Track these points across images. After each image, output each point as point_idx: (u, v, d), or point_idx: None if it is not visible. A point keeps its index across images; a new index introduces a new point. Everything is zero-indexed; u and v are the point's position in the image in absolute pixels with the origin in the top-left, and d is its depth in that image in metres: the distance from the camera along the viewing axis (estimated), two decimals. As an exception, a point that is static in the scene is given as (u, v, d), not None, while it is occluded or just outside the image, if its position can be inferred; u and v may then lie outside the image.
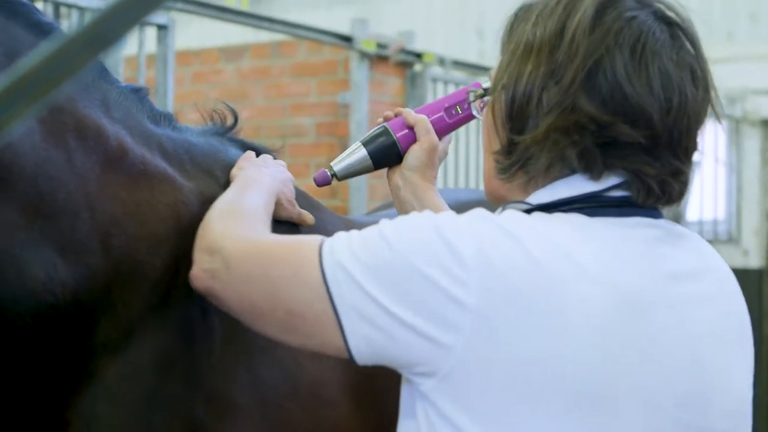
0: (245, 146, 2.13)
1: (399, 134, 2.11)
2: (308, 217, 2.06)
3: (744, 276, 8.57)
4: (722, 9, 9.10)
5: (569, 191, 1.56)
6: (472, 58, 8.92)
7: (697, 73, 1.59)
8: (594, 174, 1.55)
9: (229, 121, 2.15)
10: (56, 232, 1.69)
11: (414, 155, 2.09)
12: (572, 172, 1.56)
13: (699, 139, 1.62)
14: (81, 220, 1.71)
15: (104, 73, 1.87)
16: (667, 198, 1.60)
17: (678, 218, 7.69)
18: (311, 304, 1.54)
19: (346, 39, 6.06)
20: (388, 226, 1.54)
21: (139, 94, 1.92)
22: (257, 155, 2.11)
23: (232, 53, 6.80)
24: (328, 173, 2.11)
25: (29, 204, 1.65)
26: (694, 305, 1.57)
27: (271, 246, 1.63)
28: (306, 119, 6.31)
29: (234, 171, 2.00)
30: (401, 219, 1.56)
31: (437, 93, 6.57)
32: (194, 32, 10.03)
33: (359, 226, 2.30)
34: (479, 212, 1.54)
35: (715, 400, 1.57)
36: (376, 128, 2.15)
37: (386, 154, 2.12)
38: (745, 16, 9.00)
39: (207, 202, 1.89)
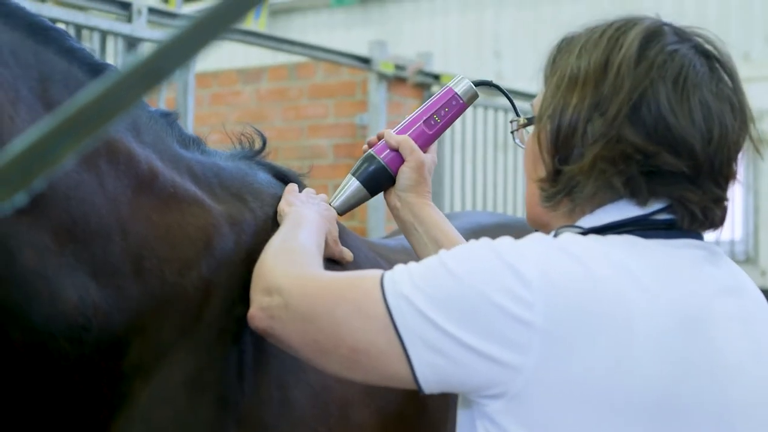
0: (273, 170, 2.14)
1: (385, 158, 2.14)
2: (348, 255, 2.09)
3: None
4: (738, 29, 9.11)
5: (619, 215, 1.60)
6: (489, 78, 8.94)
7: (735, 105, 1.63)
8: (640, 199, 1.59)
9: (257, 144, 2.16)
10: (89, 256, 1.70)
11: (404, 176, 2.12)
12: (618, 198, 1.60)
13: (737, 168, 1.66)
14: (113, 244, 1.73)
15: None
16: (710, 223, 1.64)
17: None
18: (376, 338, 1.56)
19: (365, 60, 6.10)
20: (447, 255, 1.57)
21: (168, 118, 1.94)
22: (286, 180, 2.14)
23: (250, 75, 6.84)
24: None
25: (62, 228, 1.67)
26: (740, 322, 1.61)
27: (331, 283, 1.65)
28: (324, 140, 6.35)
29: (282, 206, 2.02)
30: (460, 248, 1.59)
31: (454, 114, 6.59)
32: (213, 54, 10.09)
33: (380, 248, 2.32)
34: (537, 236, 1.59)
35: None
36: (362, 157, 2.17)
37: (378, 180, 2.15)
38: (761, 37, 9.00)
39: (236, 225, 1.91)
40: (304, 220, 1.93)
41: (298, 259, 1.75)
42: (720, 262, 1.66)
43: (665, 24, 1.67)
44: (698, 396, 1.53)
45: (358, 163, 2.17)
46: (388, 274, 1.59)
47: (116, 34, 4.44)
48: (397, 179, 2.14)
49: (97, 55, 4.30)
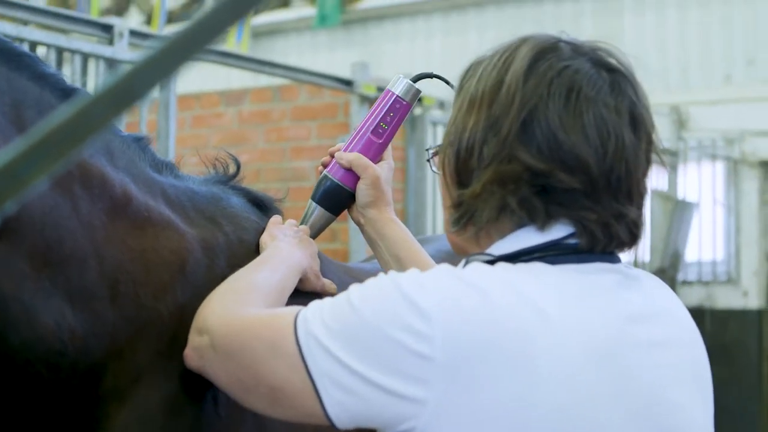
0: (248, 195, 2.15)
1: (340, 176, 2.14)
2: (331, 288, 2.09)
3: (743, 317, 8.59)
4: (721, 52, 9.15)
5: (528, 241, 1.59)
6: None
7: (637, 118, 1.61)
8: (539, 223, 1.58)
9: (232, 169, 2.17)
10: (64, 281, 1.70)
11: (362, 193, 2.13)
12: (520, 220, 1.59)
13: (645, 183, 1.64)
14: (88, 268, 1.73)
15: None
16: (617, 242, 1.61)
17: (677, 260, 7.71)
18: (291, 376, 1.56)
19: (347, 83, 6.10)
20: (354, 292, 1.58)
21: (140, 143, 1.95)
22: (261, 205, 2.14)
23: (232, 97, 6.85)
24: None
25: (37, 253, 1.67)
26: (654, 348, 1.59)
27: (252, 321, 1.66)
28: (306, 163, 6.35)
29: (265, 239, 2.02)
30: (367, 283, 1.59)
31: (437, 136, 6.60)
32: (195, 76, 10.09)
33: (357, 273, 2.33)
34: (443, 267, 1.58)
35: None
36: (318, 179, 2.17)
37: (338, 200, 2.15)
38: (742, 60, 9.05)
39: (209, 249, 1.92)
40: (274, 257, 1.92)
41: (239, 297, 1.75)
42: (635, 285, 1.64)
43: (562, 41, 1.66)
44: (603, 425, 1.51)
45: (316, 185, 2.17)
46: (302, 312, 1.60)
47: (98, 57, 4.43)
48: (356, 197, 2.14)
49: (78, 78, 4.30)
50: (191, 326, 1.78)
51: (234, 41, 10.64)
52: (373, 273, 2.33)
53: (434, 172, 1.82)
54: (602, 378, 1.51)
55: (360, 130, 2.18)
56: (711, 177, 8.68)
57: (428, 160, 1.88)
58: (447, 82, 2.25)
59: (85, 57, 4.42)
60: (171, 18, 11.94)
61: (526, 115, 1.56)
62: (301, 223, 2.15)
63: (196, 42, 0.80)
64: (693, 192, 8.52)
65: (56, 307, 1.69)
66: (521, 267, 1.56)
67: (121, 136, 1.91)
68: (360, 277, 2.28)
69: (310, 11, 11.13)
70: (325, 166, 2.18)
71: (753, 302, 8.70)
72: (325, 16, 10.96)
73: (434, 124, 6.58)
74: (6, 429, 1.74)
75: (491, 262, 1.59)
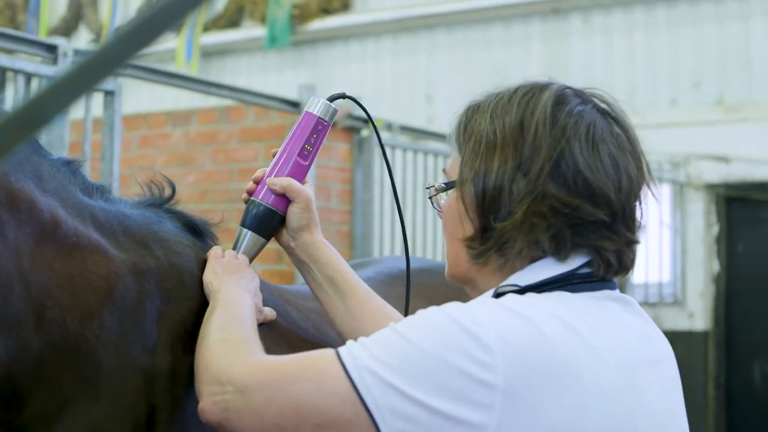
0: (182, 218, 2.13)
1: (272, 201, 2.14)
2: (271, 315, 2.11)
3: (689, 338, 8.66)
4: (666, 76, 9.25)
5: (549, 272, 1.73)
6: (420, 122, 9.00)
7: (634, 155, 1.80)
8: (561, 255, 1.73)
9: (167, 192, 2.15)
10: None
11: (296, 217, 2.15)
12: (542, 253, 1.74)
13: (641, 211, 1.83)
14: (14, 294, 1.71)
15: (36, 146, 1.87)
16: (624, 268, 1.79)
17: (624, 281, 7.76)
18: (342, 412, 1.63)
19: (294, 104, 6.10)
20: (403, 326, 1.67)
21: (71, 166, 1.94)
22: (195, 228, 2.14)
23: (179, 118, 6.82)
24: None
25: None
26: (655, 365, 1.77)
27: (282, 367, 1.72)
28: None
29: (209, 279, 2.01)
30: (414, 317, 1.68)
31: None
32: (143, 96, 10.04)
33: (289, 295, 2.32)
34: (485, 300, 1.71)
35: None
36: (247, 205, 2.16)
37: (269, 224, 2.15)
38: (688, 84, 9.15)
39: (139, 274, 1.90)
40: (236, 303, 1.94)
41: (242, 348, 1.80)
42: (634, 309, 1.81)
43: (567, 87, 1.83)
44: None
45: (244, 212, 2.16)
46: (344, 350, 1.67)
47: (41, 77, 4.40)
48: (287, 220, 2.15)
49: (21, 98, 4.27)
50: (198, 379, 1.79)
51: (183, 61, 10.62)
52: (305, 295, 2.34)
53: (436, 208, 1.91)
54: (630, 392, 1.67)
55: (286, 154, 2.17)
56: (657, 200, 8.75)
57: (430, 198, 1.93)
58: (359, 104, 2.34)
59: (29, 77, 4.39)
60: (120, 37, 11.88)
61: (557, 156, 1.72)
62: (233, 249, 2.14)
63: (105, 65, 0.79)
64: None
65: None
66: (547, 296, 1.71)
67: (50, 159, 1.89)
68: (291, 298, 2.31)
69: (260, 32, 11.13)
70: (249, 193, 2.17)
71: (699, 324, 8.78)
72: (275, 37, 10.96)
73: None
74: None
75: (519, 293, 1.72)
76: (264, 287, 2.21)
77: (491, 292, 1.75)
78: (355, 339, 2.09)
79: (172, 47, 10.24)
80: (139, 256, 1.93)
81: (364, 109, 2.33)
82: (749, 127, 8.70)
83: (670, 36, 9.28)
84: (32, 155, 1.84)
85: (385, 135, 6.61)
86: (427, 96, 10.38)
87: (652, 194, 1.86)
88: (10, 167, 1.75)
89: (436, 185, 1.89)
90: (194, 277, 2.03)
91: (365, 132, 6.50)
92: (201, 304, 1.99)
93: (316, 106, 2.20)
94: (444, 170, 1.90)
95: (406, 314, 2.18)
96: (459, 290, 1.95)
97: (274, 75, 11.18)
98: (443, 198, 1.87)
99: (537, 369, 1.59)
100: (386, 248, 6.77)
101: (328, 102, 2.21)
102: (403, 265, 2.92)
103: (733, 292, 8.81)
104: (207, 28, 11.20)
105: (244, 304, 1.95)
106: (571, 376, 1.60)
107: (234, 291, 1.97)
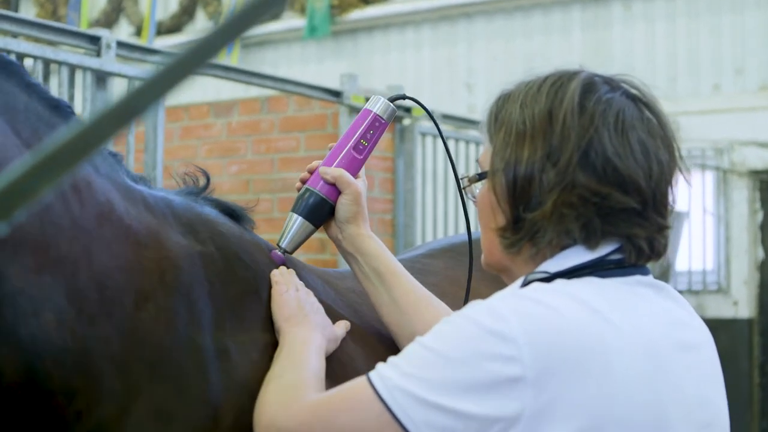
0: (219, 205, 2.17)
1: (322, 189, 2.19)
2: (346, 328, 2.14)
3: (734, 326, 8.60)
4: (709, 63, 9.18)
5: (578, 259, 1.74)
6: (461, 111, 8.97)
7: (665, 141, 1.80)
8: (591, 243, 1.74)
9: (201, 182, 2.19)
10: (63, 279, 1.72)
11: (344, 208, 2.19)
12: (572, 242, 1.74)
13: (673, 197, 1.82)
14: (81, 270, 1.75)
15: None
16: (656, 254, 1.79)
17: (667, 269, 7.71)
18: None
19: (335, 94, 6.10)
20: (427, 339, 1.69)
21: (116, 158, 1.98)
22: (233, 214, 2.16)
23: (221, 108, 6.83)
24: (279, 252, 2.18)
25: (39, 249, 1.70)
26: (690, 350, 1.76)
27: (321, 402, 1.76)
28: (295, 174, 6.31)
29: (280, 323, 2.03)
30: (437, 328, 1.70)
31: (426, 147, 6.61)
32: (185, 88, 10.08)
33: (329, 276, 2.35)
34: (507, 291, 1.73)
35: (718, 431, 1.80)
36: (299, 193, 2.22)
37: (320, 212, 2.19)
38: (731, 69, 9.08)
39: (190, 256, 1.93)
40: (299, 345, 1.97)
41: (293, 393, 1.83)
42: (667, 295, 1.82)
43: (596, 75, 1.82)
44: (672, 418, 1.68)
45: (296, 199, 2.21)
46: (374, 374, 1.71)
47: (85, 68, 4.43)
48: (336, 211, 2.20)
49: (66, 90, 4.30)
50: (255, 423, 1.84)
51: (225, 53, 10.66)
52: (344, 275, 2.39)
53: (470, 199, 1.93)
54: (660, 376, 1.67)
55: (341, 146, 2.24)
56: (701, 187, 8.70)
57: (463, 188, 1.96)
58: (419, 103, 2.39)
59: (72, 68, 4.42)
60: (161, 29, 11.94)
61: (585, 145, 1.72)
62: (281, 236, 2.19)
63: (198, 58, 0.83)
64: (683, 202, 8.53)
65: (57, 304, 1.71)
66: (577, 282, 1.71)
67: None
68: (332, 280, 2.34)
69: (300, 22, 11.15)
70: (303, 181, 2.23)
71: (743, 312, 8.72)
72: (314, 28, 10.98)
73: (423, 134, 6.58)
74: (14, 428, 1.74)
75: (547, 280, 1.73)
76: (310, 272, 2.25)
77: (519, 281, 1.77)
78: (401, 331, 2.15)
79: (212, 39, 10.26)
80: (188, 239, 1.97)
81: (424, 108, 2.37)
82: (793, 113, 8.62)
83: (712, 22, 9.20)
84: None
85: (426, 124, 6.60)
86: (467, 85, 10.36)
87: (685, 179, 1.84)
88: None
89: (470, 176, 1.92)
90: (239, 259, 2.06)
91: (407, 121, 6.49)
92: (244, 288, 2.03)
93: (376, 104, 2.27)
94: (477, 160, 1.92)
95: (465, 301, 2.21)
96: None
97: (314, 66, 11.20)
98: (477, 188, 1.89)
99: (563, 356, 1.60)
100: (428, 237, 6.76)
101: (388, 102, 2.27)
102: (434, 245, 2.94)
103: (777, 279, 8.73)
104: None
105: (307, 343, 1.98)
106: (597, 362, 1.61)
107: (299, 333, 2.00)
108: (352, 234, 2.19)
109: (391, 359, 1.71)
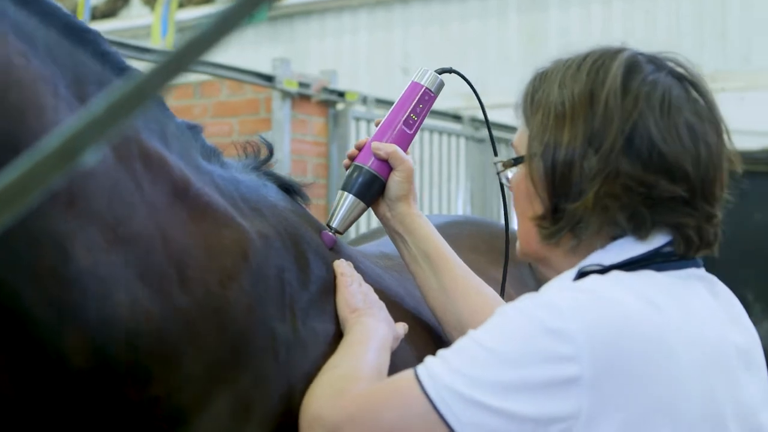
0: (278, 180, 2.10)
1: (374, 166, 2.10)
2: (403, 330, 2.02)
3: None
4: (644, 46, 9.24)
5: (631, 251, 1.63)
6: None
7: (714, 123, 1.67)
8: (642, 233, 1.62)
9: (264, 154, 2.11)
10: (135, 258, 1.65)
11: (396, 186, 2.10)
12: (621, 232, 1.63)
13: (724, 183, 1.70)
14: (156, 248, 1.68)
15: (161, 106, 1.84)
16: (706, 245, 1.67)
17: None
18: None
19: (268, 78, 6.07)
20: (480, 334, 1.58)
21: (194, 130, 1.90)
22: (290, 190, 2.11)
23: (153, 94, 6.77)
24: (330, 233, 2.09)
25: (107, 226, 1.62)
26: (745, 352, 1.67)
27: (368, 396, 1.66)
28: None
29: (345, 313, 1.95)
30: (491, 323, 1.60)
31: (360, 131, 6.58)
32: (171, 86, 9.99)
33: (371, 257, 2.27)
34: (565, 283, 1.61)
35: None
36: (349, 170, 2.13)
37: (371, 189, 2.11)
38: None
39: (264, 239, 1.87)
40: (367, 339, 1.88)
41: (343, 384, 1.73)
42: (718, 290, 1.71)
43: (639, 53, 1.71)
44: (726, 419, 1.60)
45: (346, 177, 2.13)
46: (422, 369, 1.60)
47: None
48: (387, 188, 2.11)
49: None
50: (302, 413, 1.75)
51: (159, 37, 10.56)
52: (379, 255, 2.33)
53: (505, 184, 1.83)
54: (717, 376, 1.59)
55: (391, 121, 2.15)
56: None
57: (498, 173, 1.84)
58: (465, 78, 2.24)
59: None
60: (95, 14, 11.81)
61: (629, 130, 1.61)
62: (331, 215, 2.11)
63: (238, 14, 0.84)
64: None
65: (130, 285, 1.64)
66: (634, 275, 1.61)
67: (175, 122, 1.85)
68: (373, 260, 2.26)
69: (235, 7, 11.07)
70: (351, 158, 2.14)
71: None
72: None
73: (357, 119, 6.56)
74: (86, 416, 1.67)
75: (602, 272, 1.62)
76: (354, 254, 2.17)
77: (573, 272, 1.65)
78: (447, 317, 2.06)
79: (147, 23, 10.18)
80: (258, 223, 1.90)
81: (468, 82, 2.25)
82: None
83: (647, 6, 9.27)
84: (158, 114, 1.81)
85: (360, 109, 6.58)
86: (403, 69, 10.35)
87: (733, 163, 1.71)
88: (153, 127, 1.75)
89: (504, 160, 1.81)
90: (306, 243, 2.00)
91: (340, 105, 6.48)
92: (317, 278, 1.98)
93: (424, 77, 2.18)
94: (512, 144, 1.80)
95: (502, 294, 2.15)
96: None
97: (250, 51, 11.12)
98: (511, 173, 1.79)
99: (623, 350, 1.51)
100: (363, 223, 6.75)
101: (436, 73, 2.18)
102: (436, 221, 2.85)
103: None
104: (182, 4, 11.14)
105: (371, 336, 1.89)
106: (659, 353, 1.52)
107: (365, 324, 1.92)
108: (402, 213, 2.10)
109: (441, 353, 1.61)
